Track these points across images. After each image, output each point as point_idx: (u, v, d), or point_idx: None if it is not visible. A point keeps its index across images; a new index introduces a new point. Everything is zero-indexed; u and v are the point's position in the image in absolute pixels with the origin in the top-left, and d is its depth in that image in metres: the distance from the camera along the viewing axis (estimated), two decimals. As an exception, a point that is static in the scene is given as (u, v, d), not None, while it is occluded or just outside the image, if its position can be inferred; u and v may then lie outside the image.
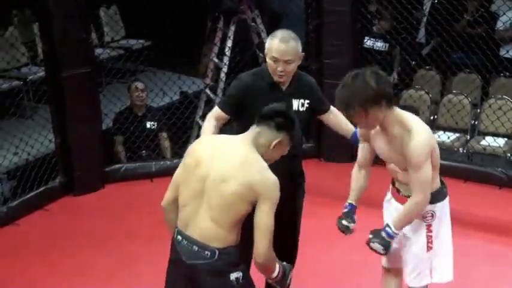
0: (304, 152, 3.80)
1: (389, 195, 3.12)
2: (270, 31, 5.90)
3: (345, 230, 3.08)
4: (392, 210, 3.06)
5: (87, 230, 4.72)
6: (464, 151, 5.91)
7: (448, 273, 3.08)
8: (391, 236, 2.91)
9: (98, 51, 6.70)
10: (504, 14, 6.41)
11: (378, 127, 2.86)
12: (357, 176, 3.13)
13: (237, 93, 3.22)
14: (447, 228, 3.03)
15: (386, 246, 2.91)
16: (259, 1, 5.79)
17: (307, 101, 3.25)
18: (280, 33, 3.15)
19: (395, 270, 3.22)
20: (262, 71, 3.23)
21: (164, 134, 5.83)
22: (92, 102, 5.22)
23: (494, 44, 6.16)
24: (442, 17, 5.82)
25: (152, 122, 5.79)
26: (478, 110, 6.11)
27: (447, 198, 3.01)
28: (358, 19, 5.49)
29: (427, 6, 7.10)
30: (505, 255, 4.21)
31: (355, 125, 3.19)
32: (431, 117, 6.26)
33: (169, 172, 5.67)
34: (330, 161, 5.67)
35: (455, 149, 5.93)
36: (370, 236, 2.95)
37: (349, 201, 3.14)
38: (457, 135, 6.02)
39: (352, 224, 3.08)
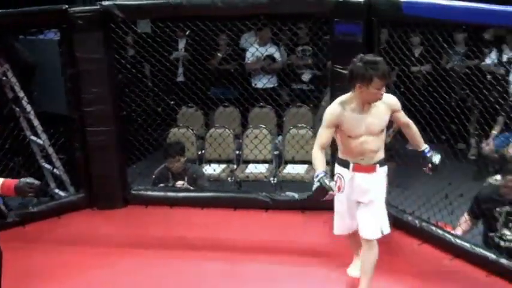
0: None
1: (348, 175, 3.80)
2: (23, 83, 5.72)
3: (332, 187, 3.62)
4: (358, 183, 3.80)
5: None
6: (232, 180, 6.22)
7: None
8: (431, 150, 3.87)
9: None
10: (248, 50, 6.94)
11: (356, 109, 3.70)
12: (320, 154, 3.77)
13: None
14: None
15: (440, 155, 3.86)
16: (8, 54, 5.55)
17: None
18: None
19: (355, 232, 3.97)
20: None
21: None
22: None
23: (245, 77, 6.62)
24: (194, 57, 6.11)
25: None
26: (240, 140, 6.48)
27: None
28: (115, 65, 5.50)
29: (181, 46, 7.38)
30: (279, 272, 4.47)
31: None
32: (199, 152, 6.50)
33: None
34: (103, 209, 5.59)
35: (224, 179, 6.22)
36: (428, 163, 3.82)
37: (322, 169, 3.71)
38: (223, 166, 6.33)
39: (332, 183, 3.69)
